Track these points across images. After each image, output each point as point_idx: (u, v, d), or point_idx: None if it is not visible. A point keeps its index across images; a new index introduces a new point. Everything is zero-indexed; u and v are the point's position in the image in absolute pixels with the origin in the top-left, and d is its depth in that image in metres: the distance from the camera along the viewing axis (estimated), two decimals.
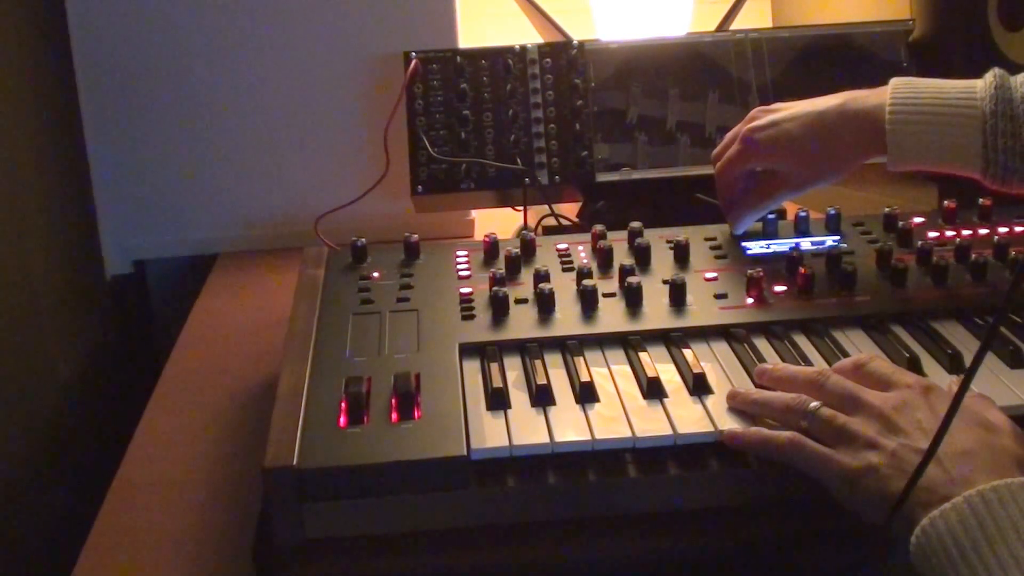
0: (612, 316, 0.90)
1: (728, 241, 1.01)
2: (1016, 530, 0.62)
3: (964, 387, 0.65)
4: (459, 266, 0.98)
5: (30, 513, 1.04)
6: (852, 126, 0.95)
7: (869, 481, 0.69)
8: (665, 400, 0.79)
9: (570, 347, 0.86)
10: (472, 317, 0.90)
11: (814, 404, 0.75)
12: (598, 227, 1.01)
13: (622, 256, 0.98)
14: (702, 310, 0.90)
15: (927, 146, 0.92)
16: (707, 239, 1.02)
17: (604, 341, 0.88)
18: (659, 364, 0.83)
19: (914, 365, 0.82)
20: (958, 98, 0.92)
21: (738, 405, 0.78)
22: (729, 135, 1.03)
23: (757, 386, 0.80)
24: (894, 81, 0.95)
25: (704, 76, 1.20)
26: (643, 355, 0.84)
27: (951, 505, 0.64)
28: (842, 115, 0.95)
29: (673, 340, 0.87)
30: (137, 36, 1.22)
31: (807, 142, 0.96)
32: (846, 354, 0.84)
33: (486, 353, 0.86)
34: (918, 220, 1.03)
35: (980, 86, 0.92)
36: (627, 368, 0.84)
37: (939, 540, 0.64)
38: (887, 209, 1.03)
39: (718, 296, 0.92)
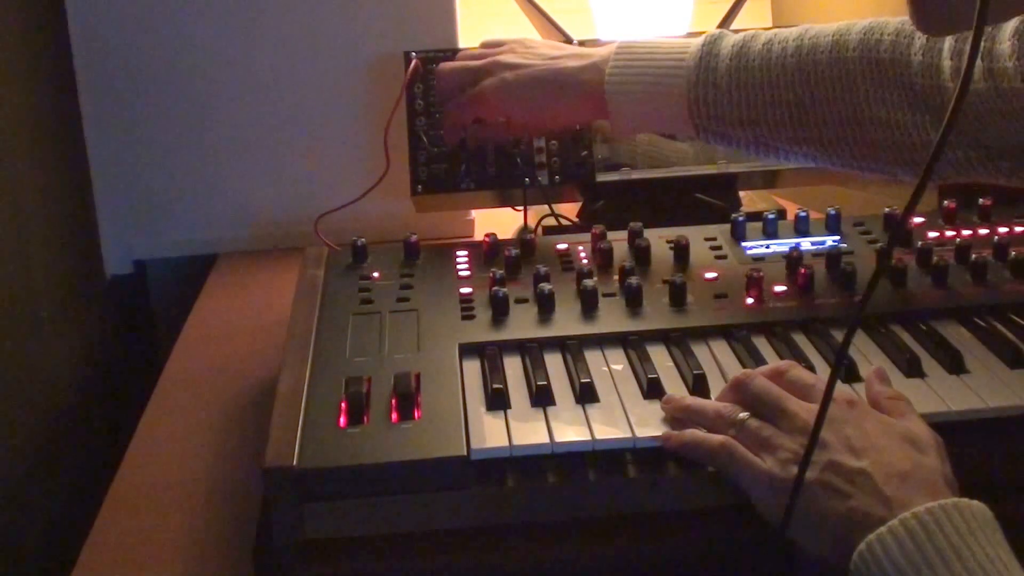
0: (612, 316, 0.90)
1: (728, 241, 1.01)
2: (955, 551, 0.62)
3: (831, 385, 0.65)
4: (459, 266, 0.98)
5: (30, 513, 1.04)
6: (580, 92, 1.00)
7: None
8: None
9: (570, 347, 0.86)
10: (472, 317, 0.90)
11: (743, 415, 0.74)
12: (598, 227, 1.01)
13: (622, 256, 0.98)
14: (702, 310, 0.90)
15: (643, 114, 0.98)
16: (707, 239, 1.02)
17: (604, 341, 0.88)
18: (659, 364, 0.83)
19: (914, 365, 0.82)
20: (668, 65, 0.96)
21: (671, 411, 0.77)
22: (473, 64, 1.06)
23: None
24: (617, 45, 0.99)
25: None
26: (643, 355, 0.84)
27: (887, 528, 0.64)
28: (572, 82, 1.00)
29: (673, 340, 0.87)
30: (137, 36, 1.22)
31: (534, 103, 1.02)
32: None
33: (486, 353, 0.86)
34: (918, 220, 1.03)
35: (691, 50, 0.96)
36: (627, 368, 0.84)
37: (877, 564, 0.64)
38: (887, 209, 1.03)
39: (718, 296, 0.92)
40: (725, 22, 1.29)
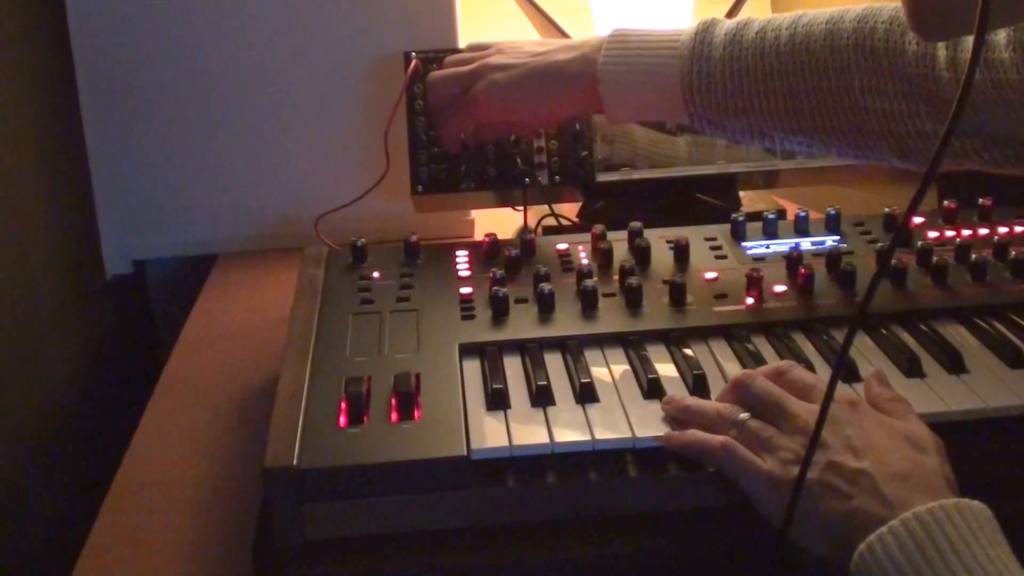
0: (612, 316, 0.90)
1: (728, 241, 1.01)
2: (955, 551, 0.63)
3: (831, 388, 0.65)
4: (459, 266, 0.98)
5: (30, 513, 1.04)
6: (572, 84, 0.99)
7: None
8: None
9: (570, 347, 0.86)
10: (472, 317, 0.90)
11: (743, 415, 0.74)
12: (598, 227, 1.01)
13: (622, 256, 0.98)
14: (702, 310, 0.90)
15: (637, 103, 0.98)
16: (707, 239, 1.02)
17: (604, 341, 0.88)
18: (659, 364, 0.83)
19: (914, 365, 0.82)
20: (661, 54, 0.96)
21: (672, 411, 0.78)
22: (463, 70, 1.05)
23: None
24: (611, 34, 0.99)
25: None
26: (643, 355, 0.84)
27: (888, 528, 0.64)
28: (564, 75, 1.00)
29: (673, 340, 0.87)
30: (137, 36, 1.22)
31: (528, 101, 1.02)
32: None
33: (486, 353, 0.86)
34: (918, 220, 1.03)
35: (684, 38, 0.96)
36: (627, 368, 0.84)
37: (877, 564, 0.64)
38: (887, 209, 1.03)
39: (718, 296, 0.92)
40: None
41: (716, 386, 0.80)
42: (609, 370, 0.84)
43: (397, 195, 1.18)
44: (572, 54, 1.00)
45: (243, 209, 1.28)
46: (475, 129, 1.09)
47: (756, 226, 1.03)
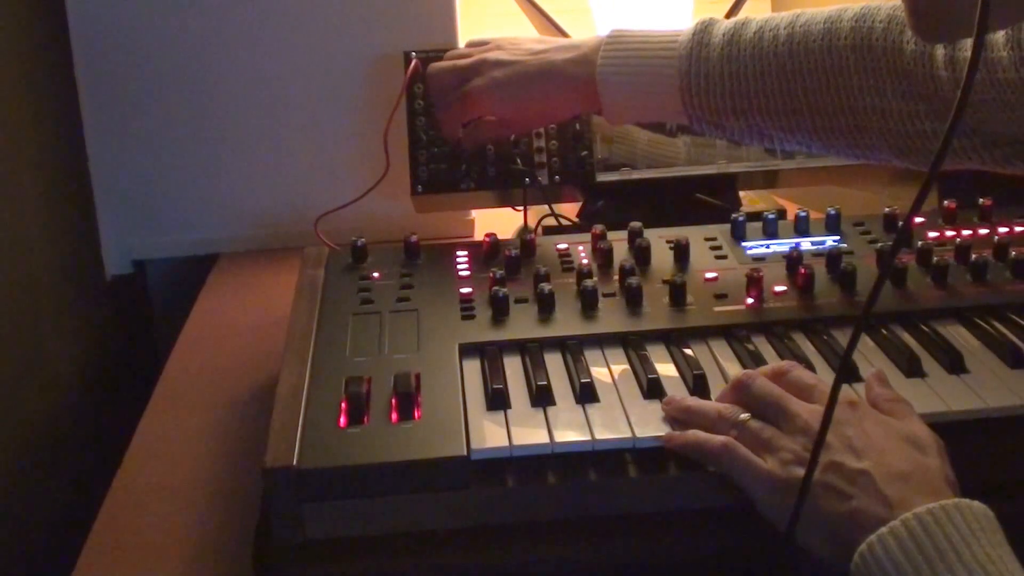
0: (612, 316, 0.90)
1: (728, 241, 1.01)
2: (955, 551, 0.63)
3: (835, 390, 0.65)
4: (459, 266, 0.98)
5: (31, 513, 1.04)
6: (570, 85, 0.99)
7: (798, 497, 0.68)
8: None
9: (570, 347, 0.86)
10: (472, 317, 0.90)
11: (744, 415, 0.74)
12: (598, 227, 1.01)
13: (622, 256, 0.98)
14: (702, 310, 0.90)
15: (635, 104, 0.98)
16: (707, 239, 1.02)
17: (604, 341, 0.88)
18: (659, 364, 0.83)
19: (914, 365, 0.82)
20: (659, 54, 0.96)
21: (672, 412, 0.77)
22: (462, 63, 1.05)
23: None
24: (609, 35, 0.99)
25: None
26: (643, 355, 0.84)
27: (888, 529, 0.64)
28: (562, 75, 1.00)
29: (673, 340, 0.87)
30: (137, 36, 1.22)
31: (525, 99, 1.02)
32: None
33: (486, 353, 0.86)
34: (918, 220, 1.03)
35: (682, 39, 0.95)
36: (627, 368, 0.84)
37: (878, 564, 0.64)
38: (887, 209, 1.03)
39: (718, 296, 0.92)
40: None
41: (716, 386, 0.80)
42: (609, 370, 0.84)
43: (397, 195, 1.18)
44: (571, 54, 1.00)
45: (243, 209, 1.28)
46: (471, 127, 1.09)
47: (756, 226, 1.03)
